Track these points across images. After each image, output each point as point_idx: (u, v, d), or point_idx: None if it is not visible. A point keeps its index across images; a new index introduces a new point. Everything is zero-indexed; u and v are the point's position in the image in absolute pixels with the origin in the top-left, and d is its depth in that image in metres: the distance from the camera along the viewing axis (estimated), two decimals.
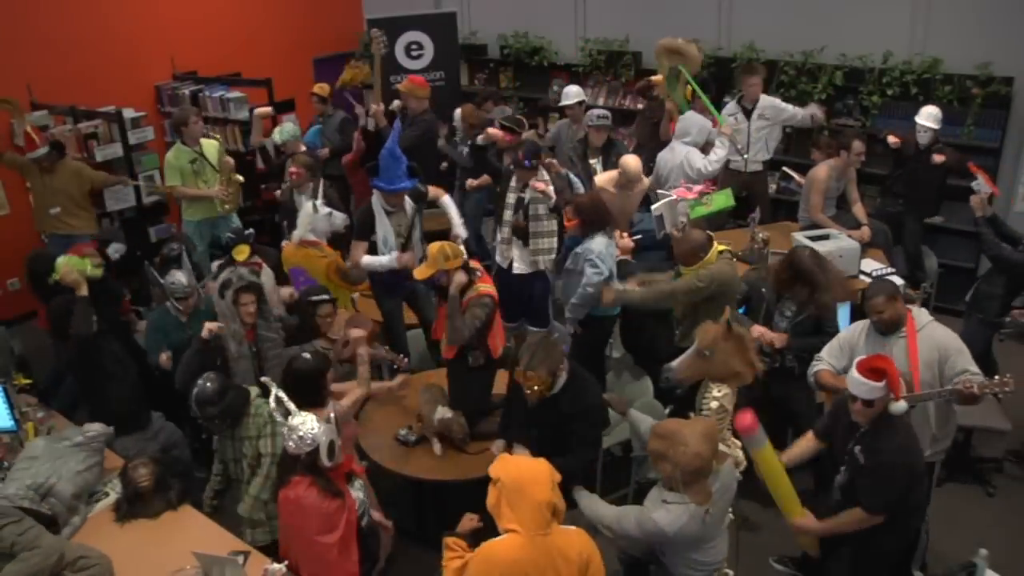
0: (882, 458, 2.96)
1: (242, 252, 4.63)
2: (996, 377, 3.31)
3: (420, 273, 3.97)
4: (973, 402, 3.40)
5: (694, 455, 2.71)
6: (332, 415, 2.96)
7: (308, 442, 2.81)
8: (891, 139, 5.84)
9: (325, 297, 4.29)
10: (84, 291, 4.11)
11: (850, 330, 3.76)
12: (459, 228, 4.93)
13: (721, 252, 4.16)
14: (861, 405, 2.95)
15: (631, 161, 5.13)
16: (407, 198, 4.78)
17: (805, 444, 3.39)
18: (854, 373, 2.94)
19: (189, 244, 5.64)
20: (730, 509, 3.29)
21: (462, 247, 4.23)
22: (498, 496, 2.49)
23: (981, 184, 4.78)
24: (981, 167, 5.08)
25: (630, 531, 2.93)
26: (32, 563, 2.91)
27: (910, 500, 3.11)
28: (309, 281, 4.72)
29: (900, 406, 2.93)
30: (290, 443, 2.83)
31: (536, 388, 3.24)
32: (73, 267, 4.13)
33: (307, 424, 2.84)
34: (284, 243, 5.25)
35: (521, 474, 2.50)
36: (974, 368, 3.40)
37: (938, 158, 5.55)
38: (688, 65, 5.85)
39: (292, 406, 2.92)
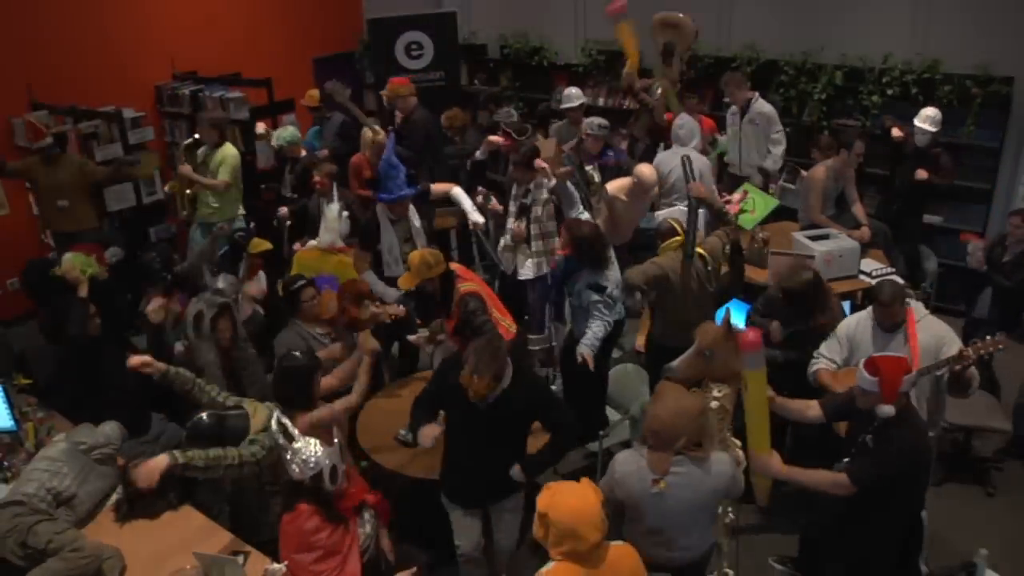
0: (890, 445, 2.97)
1: (259, 245, 4.61)
2: (987, 337, 3.44)
3: (404, 283, 4.08)
4: (964, 388, 3.56)
5: (654, 416, 2.88)
6: (337, 441, 2.96)
7: (311, 466, 2.79)
8: (895, 132, 5.81)
9: (302, 282, 4.13)
10: (84, 291, 4.08)
11: (849, 324, 3.81)
12: (474, 215, 4.91)
13: (681, 247, 4.20)
14: (859, 391, 3.02)
15: (646, 170, 5.12)
16: (411, 206, 4.78)
17: (804, 405, 3.37)
18: (860, 367, 3.00)
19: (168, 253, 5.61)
20: (730, 509, 3.30)
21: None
22: (546, 531, 2.42)
23: (975, 248, 4.99)
24: (974, 233, 5.33)
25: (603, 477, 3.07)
26: (76, 564, 2.90)
27: (895, 501, 3.09)
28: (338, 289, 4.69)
29: (885, 410, 2.94)
30: (294, 467, 2.81)
31: (483, 391, 3.14)
32: (78, 265, 4.11)
33: (310, 447, 2.82)
34: (296, 247, 5.27)
35: (572, 515, 2.38)
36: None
37: (922, 174, 5.61)
38: (681, 40, 5.84)
39: (295, 431, 2.89)
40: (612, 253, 4.47)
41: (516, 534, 3.53)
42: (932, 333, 3.61)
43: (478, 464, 3.34)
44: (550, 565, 2.43)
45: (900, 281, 5.05)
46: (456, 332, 3.94)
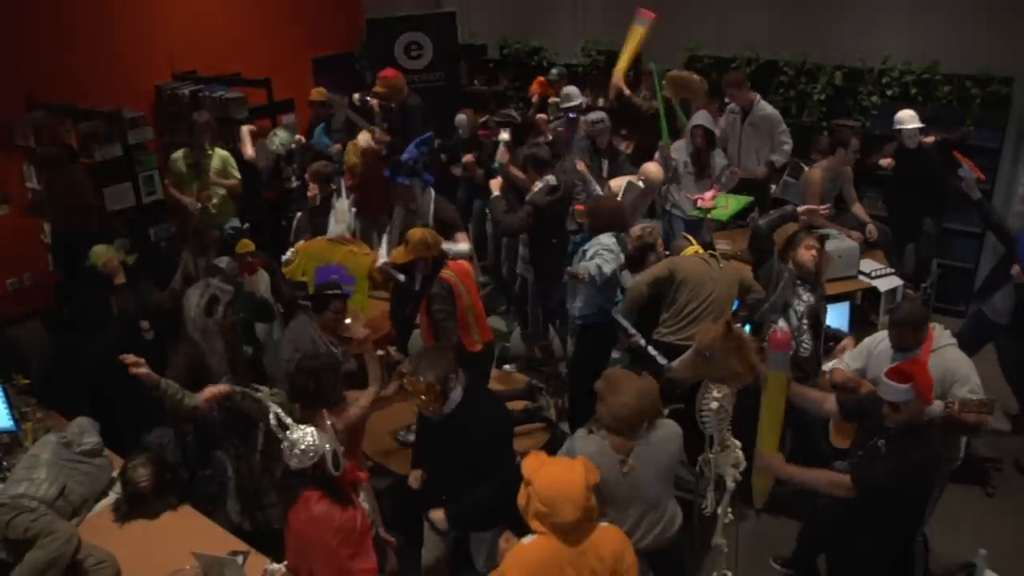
0: (903, 456, 2.93)
1: (246, 246, 4.62)
2: (978, 399, 3.28)
3: (398, 256, 4.12)
4: (966, 429, 3.38)
5: (622, 404, 2.94)
6: (329, 423, 2.95)
7: (311, 455, 2.79)
8: (884, 162, 5.79)
9: (336, 291, 4.21)
10: (122, 278, 4.19)
11: (875, 337, 3.78)
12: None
13: (699, 253, 4.26)
14: (890, 409, 2.93)
15: (653, 169, 5.12)
16: (431, 210, 4.84)
17: (822, 396, 3.36)
18: (882, 378, 2.94)
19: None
20: (729, 509, 3.30)
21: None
22: (527, 500, 2.42)
23: (966, 170, 4.79)
24: (968, 156, 5.04)
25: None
26: (52, 548, 2.93)
27: (902, 511, 3.07)
28: (346, 279, 4.69)
29: (935, 408, 2.91)
30: (293, 460, 2.81)
31: (424, 398, 3.07)
32: (112, 253, 4.20)
33: (307, 438, 2.82)
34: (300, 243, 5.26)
35: (554, 489, 2.38)
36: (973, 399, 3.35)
37: (927, 139, 5.51)
38: (695, 98, 5.88)
39: (290, 420, 2.89)
40: (623, 235, 4.52)
41: (495, 560, 3.46)
42: (942, 367, 3.38)
43: (447, 491, 3.25)
44: (531, 538, 2.44)
45: (898, 282, 5.09)
46: (426, 313, 4.06)
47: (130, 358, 3.25)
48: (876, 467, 2.97)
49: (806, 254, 4.01)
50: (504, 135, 5.63)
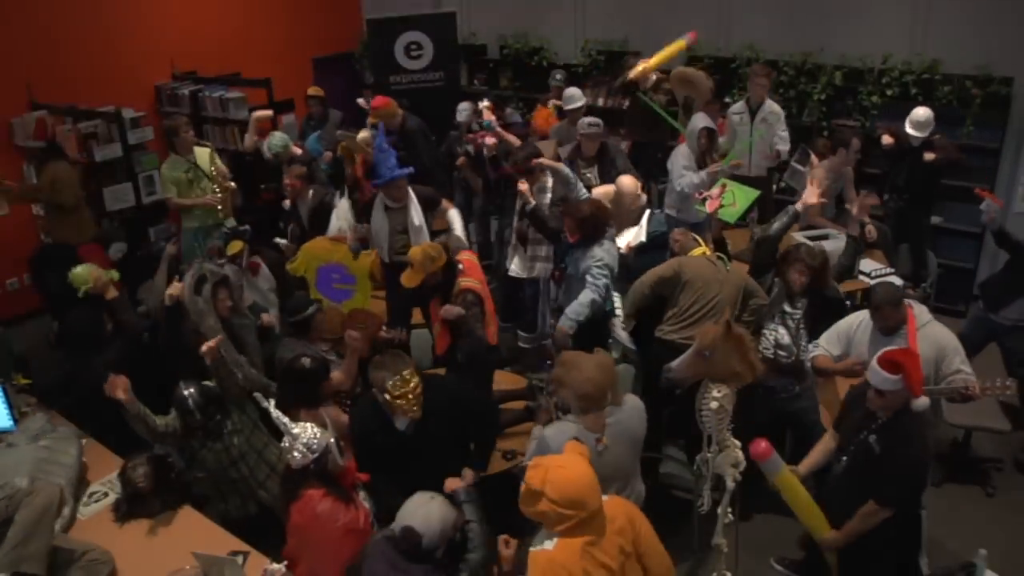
0: (900, 451, 2.94)
1: (234, 247, 4.62)
2: (998, 381, 3.39)
3: (408, 280, 4.06)
4: (967, 400, 3.49)
5: (586, 379, 2.94)
6: (326, 418, 2.95)
7: (314, 448, 2.78)
8: (885, 140, 5.75)
9: (309, 309, 4.15)
10: (114, 293, 4.12)
11: (851, 321, 3.80)
12: (459, 233, 4.93)
13: (706, 255, 4.26)
14: (874, 394, 2.96)
15: (627, 182, 5.09)
16: (414, 200, 4.78)
17: (823, 446, 3.37)
18: (873, 363, 2.95)
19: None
20: (729, 509, 3.30)
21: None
22: (544, 510, 2.36)
23: (989, 204, 4.70)
24: (987, 190, 4.99)
25: (528, 455, 3.10)
26: (36, 503, 2.95)
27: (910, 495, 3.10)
28: (346, 279, 4.70)
29: (921, 402, 2.92)
30: (295, 454, 2.80)
31: (415, 396, 3.08)
32: (96, 274, 4.13)
33: (308, 431, 2.82)
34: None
35: (572, 488, 2.33)
36: (967, 368, 3.47)
37: (928, 156, 5.49)
38: (699, 95, 5.88)
39: (287, 420, 2.89)
40: (613, 229, 4.48)
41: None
42: (933, 343, 3.50)
43: (452, 465, 3.23)
44: (552, 541, 2.39)
45: (898, 282, 5.08)
46: (447, 323, 4.01)
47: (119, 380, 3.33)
48: (887, 479, 2.97)
49: (796, 277, 3.95)
50: (485, 102, 5.81)
